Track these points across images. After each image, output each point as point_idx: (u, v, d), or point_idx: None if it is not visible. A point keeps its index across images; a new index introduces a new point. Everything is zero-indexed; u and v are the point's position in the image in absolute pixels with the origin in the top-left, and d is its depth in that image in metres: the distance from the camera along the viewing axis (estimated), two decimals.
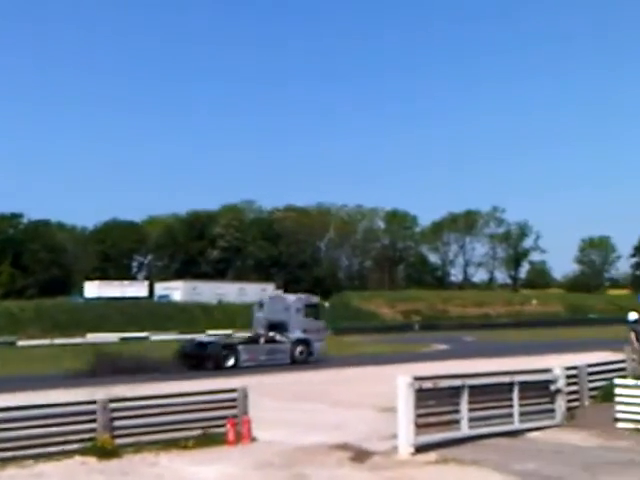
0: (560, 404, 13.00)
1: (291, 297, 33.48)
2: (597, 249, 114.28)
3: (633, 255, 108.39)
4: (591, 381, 14.56)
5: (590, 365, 15.01)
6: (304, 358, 29.44)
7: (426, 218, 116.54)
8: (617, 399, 12.57)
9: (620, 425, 12.29)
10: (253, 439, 11.87)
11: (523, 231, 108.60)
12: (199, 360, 27.46)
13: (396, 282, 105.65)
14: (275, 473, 9.76)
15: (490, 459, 10.25)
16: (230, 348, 28.58)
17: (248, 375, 22.55)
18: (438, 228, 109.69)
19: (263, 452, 10.99)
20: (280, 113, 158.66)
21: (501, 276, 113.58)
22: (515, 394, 12.25)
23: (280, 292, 55.87)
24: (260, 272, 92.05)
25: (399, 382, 10.81)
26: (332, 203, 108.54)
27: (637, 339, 15.97)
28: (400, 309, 78.38)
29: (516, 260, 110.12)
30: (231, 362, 27.60)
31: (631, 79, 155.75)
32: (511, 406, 12.23)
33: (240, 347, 28.65)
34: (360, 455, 10.73)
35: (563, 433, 12.24)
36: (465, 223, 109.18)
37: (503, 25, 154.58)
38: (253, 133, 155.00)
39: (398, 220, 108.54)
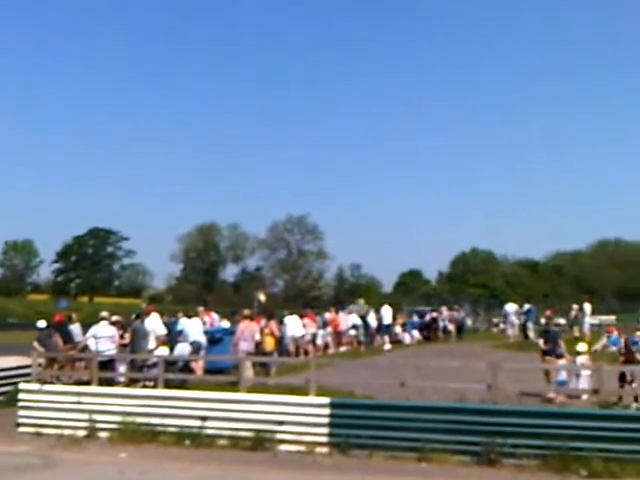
0: None
1: None
2: (20, 253, 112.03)
3: (56, 261, 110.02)
4: None
5: None
6: None
7: None
8: (20, 404, 12.68)
9: (22, 429, 12.36)
10: None
11: None
12: None
13: None
14: None
15: None
16: None
17: None
18: None
19: None
20: None
21: None
22: None
23: None
24: None
25: None
26: None
27: (42, 345, 16.40)
28: None
29: None
30: None
31: None
32: None
33: None
34: None
35: None
36: None
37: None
38: None
39: None
